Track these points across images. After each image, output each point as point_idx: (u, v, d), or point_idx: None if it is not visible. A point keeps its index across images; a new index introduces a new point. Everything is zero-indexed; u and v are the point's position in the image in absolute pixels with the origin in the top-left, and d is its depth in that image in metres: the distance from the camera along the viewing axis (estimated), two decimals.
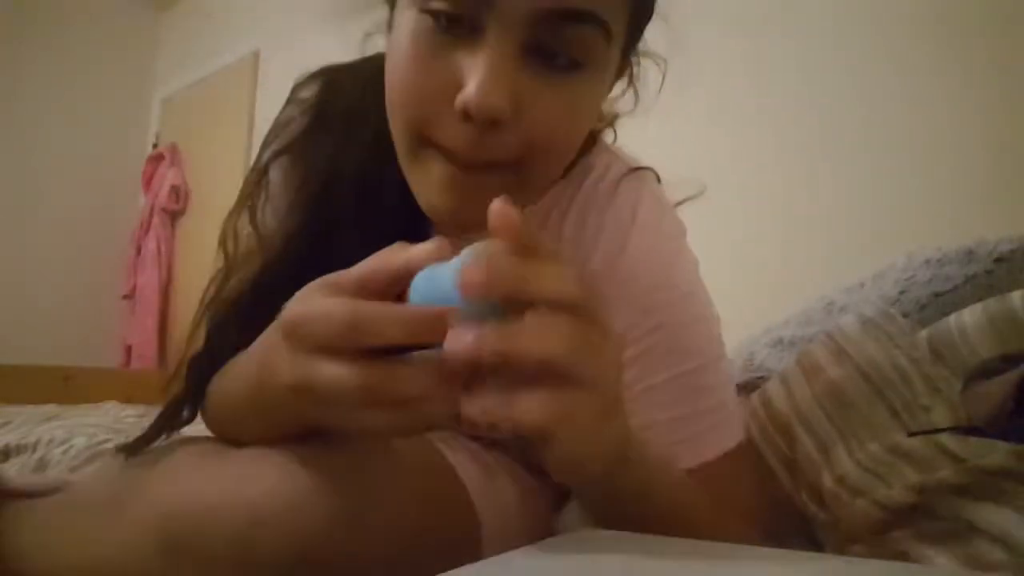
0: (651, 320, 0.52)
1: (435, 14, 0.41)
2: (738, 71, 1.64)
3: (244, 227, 0.55)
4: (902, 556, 0.38)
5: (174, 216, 3.31)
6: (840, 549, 0.43)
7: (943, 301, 0.90)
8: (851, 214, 1.44)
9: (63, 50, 3.27)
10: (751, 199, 1.58)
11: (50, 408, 1.65)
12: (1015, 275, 0.87)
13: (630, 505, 0.40)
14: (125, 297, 3.34)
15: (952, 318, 0.77)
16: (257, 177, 0.55)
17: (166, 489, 0.42)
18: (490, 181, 0.43)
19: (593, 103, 0.48)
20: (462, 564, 0.30)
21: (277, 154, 0.56)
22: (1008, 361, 0.57)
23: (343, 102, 0.56)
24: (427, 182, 0.45)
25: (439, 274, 0.30)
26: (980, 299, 0.79)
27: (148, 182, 3.40)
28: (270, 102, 3.12)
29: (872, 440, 0.53)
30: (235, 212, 0.56)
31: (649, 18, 0.51)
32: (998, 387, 0.52)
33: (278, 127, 0.58)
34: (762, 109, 1.58)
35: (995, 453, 0.41)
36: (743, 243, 1.57)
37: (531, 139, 0.43)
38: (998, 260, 0.91)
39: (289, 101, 0.59)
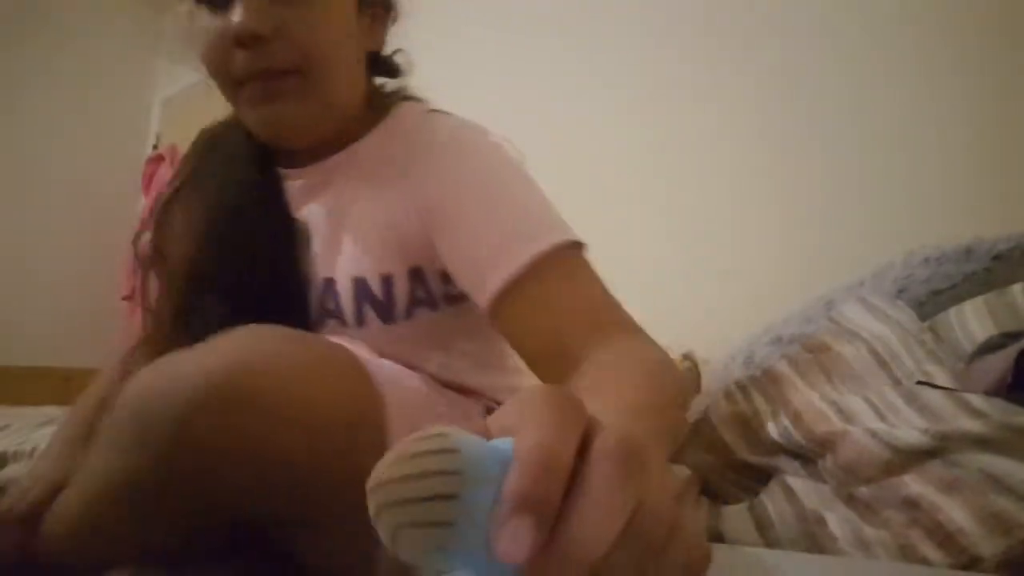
0: (462, 168, 0.61)
1: (201, 2, 0.60)
2: (737, 70, 1.64)
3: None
4: (911, 501, 0.36)
5: None
6: (844, 489, 0.41)
7: (942, 299, 0.90)
8: (849, 215, 1.44)
9: (64, 51, 3.26)
10: (750, 199, 1.58)
11: (50, 410, 1.65)
12: (1013, 273, 0.88)
13: None
14: (125, 298, 3.34)
15: (952, 311, 0.78)
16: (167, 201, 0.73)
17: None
18: (284, 87, 0.60)
19: (334, 17, 0.62)
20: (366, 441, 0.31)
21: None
22: (1009, 337, 0.57)
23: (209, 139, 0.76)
24: (247, 114, 0.62)
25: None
26: (978, 296, 0.79)
27: (148, 183, 3.40)
28: None
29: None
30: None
31: None
32: (998, 361, 0.52)
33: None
34: (759, 108, 1.58)
35: None
36: (743, 244, 1.57)
37: (297, 46, 0.59)
38: (996, 258, 0.91)
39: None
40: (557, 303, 0.52)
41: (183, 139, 3.46)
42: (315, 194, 0.67)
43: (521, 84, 2.07)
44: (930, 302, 0.92)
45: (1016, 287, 0.74)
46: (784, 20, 1.57)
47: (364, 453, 0.37)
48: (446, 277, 0.62)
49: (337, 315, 0.64)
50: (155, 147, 3.50)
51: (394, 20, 0.71)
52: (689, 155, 1.68)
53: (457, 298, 0.65)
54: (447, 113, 0.69)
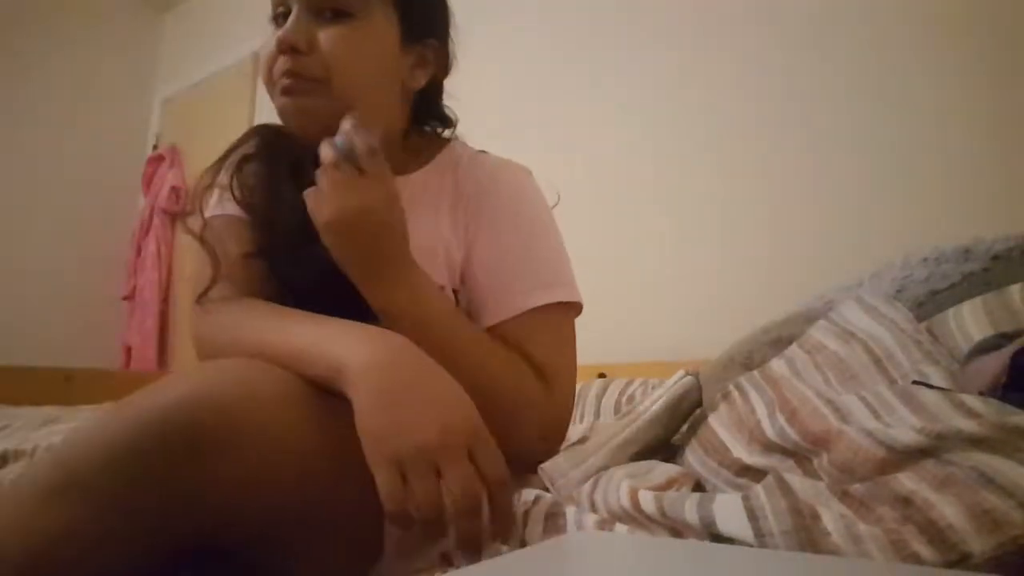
0: (504, 210, 0.76)
1: (275, 19, 0.73)
2: (734, 70, 1.64)
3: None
4: (904, 498, 0.36)
5: (174, 217, 3.32)
6: (839, 486, 0.42)
7: (940, 299, 0.90)
8: (848, 215, 1.44)
9: (64, 51, 3.27)
10: (748, 200, 1.58)
11: (50, 410, 1.65)
12: (1012, 272, 0.88)
13: (406, 304, 0.63)
14: (125, 298, 3.34)
15: (951, 311, 0.78)
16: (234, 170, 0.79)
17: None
18: (314, 100, 0.70)
19: (366, 44, 0.71)
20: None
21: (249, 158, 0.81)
22: (1006, 338, 0.57)
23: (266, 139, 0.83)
24: (277, 104, 0.72)
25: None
26: (977, 296, 0.79)
27: (148, 183, 3.40)
28: (270, 103, 3.11)
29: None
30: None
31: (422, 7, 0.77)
32: (993, 362, 0.52)
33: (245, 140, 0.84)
34: (757, 109, 1.59)
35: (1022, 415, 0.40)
36: (742, 244, 1.57)
37: (326, 62, 0.69)
38: (995, 258, 0.91)
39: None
40: (527, 340, 0.70)
41: (183, 139, 3.47)
42: None
43: (512, 87, 2.08)
44: (929, 302, 0.92)
45: (1014, 287, 0.75)
46: (780, 19, 1.58)
47: (320, 478, 0.50)
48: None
49: None
50: (155, 147, 3.50)
51: (444, 71, 0.80)
52: (686, 156, 1.68)
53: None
54: (490, 155, 0.82)
